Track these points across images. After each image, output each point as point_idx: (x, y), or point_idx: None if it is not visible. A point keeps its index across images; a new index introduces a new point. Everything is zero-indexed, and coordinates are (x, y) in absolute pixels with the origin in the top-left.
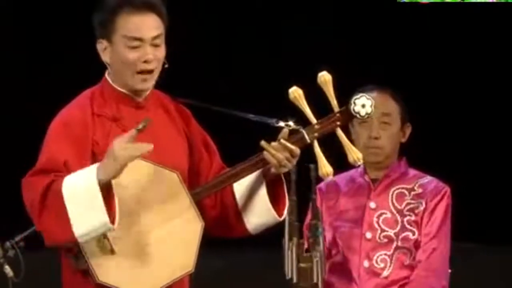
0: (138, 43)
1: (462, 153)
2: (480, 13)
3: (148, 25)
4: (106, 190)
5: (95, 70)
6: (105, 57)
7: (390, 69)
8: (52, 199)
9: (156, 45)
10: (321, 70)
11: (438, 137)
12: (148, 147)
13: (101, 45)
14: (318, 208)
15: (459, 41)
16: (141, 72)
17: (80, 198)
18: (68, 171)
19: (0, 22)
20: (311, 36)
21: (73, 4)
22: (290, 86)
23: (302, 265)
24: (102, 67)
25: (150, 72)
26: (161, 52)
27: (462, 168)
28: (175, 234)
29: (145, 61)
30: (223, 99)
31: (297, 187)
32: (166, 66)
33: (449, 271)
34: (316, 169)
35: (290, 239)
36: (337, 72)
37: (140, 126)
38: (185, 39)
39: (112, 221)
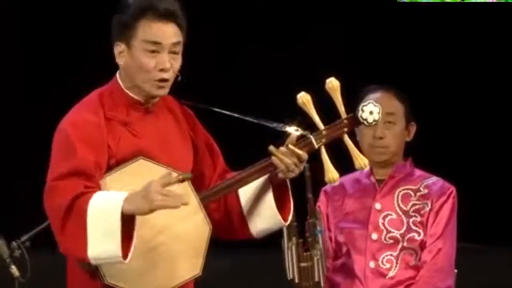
0: (157, 47)
1: (467, 153)
2: (480, 13)
3: (168, 32)
4: (129, 221)
5: (101, 71)
6: (120, 60)
7: (389, 69)
8: (77, 212)
9: (174, 53)
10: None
11: (441, 137)
12: (183, 200)
13: (118, 48)
14: (315, 207)
15: (459, 41)
16: (158, 81)
17: (101, 222)
18: (100, 172)
19: (6, 23)
20: (312, 39)
21: (81, 6)
22: (298, 91)
23: (303, 264)
24: (108, 68)
25: (166, 80)
26: (178, 62)
27: (467, 168)
28: (183, 237)
29: (162, 69)
30: (230, 103)
31: (298, 187)
32: (179, 78)
33: (455, 271)
34: (309, 168)
35: (289, 239)
36: (336, 72)
37: (181, 177)
38: (193, 41)
39: (126, 254)
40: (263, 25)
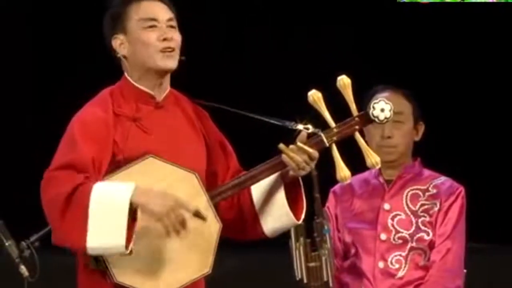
0: (154, 23)
1: (475, 153)
2: (480, 13)
3: (159, 9)
4: (132, 213)
5: (109, 73)
6: (122, 51)
7: (389, 69)
8: (78, 201)
9: (171, 27)
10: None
11: (448, 137)
12: (180, 228)
13: (117, 41)
14: (322, 207)
15: (459, 41)
16: (164, 50)
17: (105, 211)
18: (96, 169)
19: (13, 23)
20: (315, 39)
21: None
22: (309, 89)
23: (311, 264)
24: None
25: (172, 50)
26: (178, 36)
27: (476, 168)
28: (193, 235)
29: (165, 39)
30: (241, 101)
31: (305, 187)
32: (183, 58)
33: (464, 271)
34: (315, 168)
35: (297, 239)
36: (336, 72)
37: (200, 214)
38: (203, 40)
39: (127, 245)
40: (278, 25)
